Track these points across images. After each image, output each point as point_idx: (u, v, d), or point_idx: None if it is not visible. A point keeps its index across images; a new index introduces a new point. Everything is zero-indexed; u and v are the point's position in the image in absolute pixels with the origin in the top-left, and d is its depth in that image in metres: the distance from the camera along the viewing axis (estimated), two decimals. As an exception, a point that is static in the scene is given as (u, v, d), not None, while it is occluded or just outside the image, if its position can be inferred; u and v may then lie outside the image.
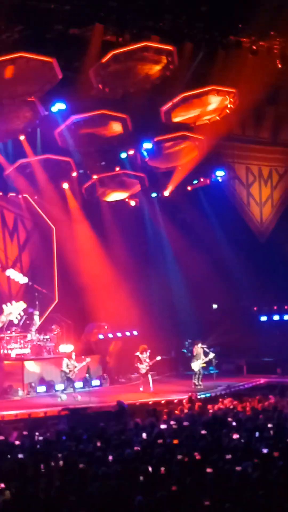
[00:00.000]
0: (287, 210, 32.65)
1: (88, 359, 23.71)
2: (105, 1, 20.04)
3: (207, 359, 24.96)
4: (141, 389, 24.16)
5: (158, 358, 24.48)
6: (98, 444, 14.57)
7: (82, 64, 21.25)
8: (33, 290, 26.79)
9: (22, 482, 11.75)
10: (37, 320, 25.71)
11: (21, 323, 25.36)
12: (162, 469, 12.13)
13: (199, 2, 21.12)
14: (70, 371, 23.15)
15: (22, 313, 24.53)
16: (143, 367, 24.18)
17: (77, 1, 19.85)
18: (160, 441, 14.59)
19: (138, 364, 24.32)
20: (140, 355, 24.30)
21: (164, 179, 29.99)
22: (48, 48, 20.06)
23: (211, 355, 24.95)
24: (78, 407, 21.35)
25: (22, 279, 27.00)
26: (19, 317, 24.38)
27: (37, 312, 25.80)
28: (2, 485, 11.42)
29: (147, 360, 24.17)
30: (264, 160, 32.24)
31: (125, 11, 20.45)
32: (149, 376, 24.16)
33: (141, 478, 11.80)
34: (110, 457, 13.25)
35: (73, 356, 23.54)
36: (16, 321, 24.45)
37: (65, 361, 23.39)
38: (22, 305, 24.28)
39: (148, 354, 24.30)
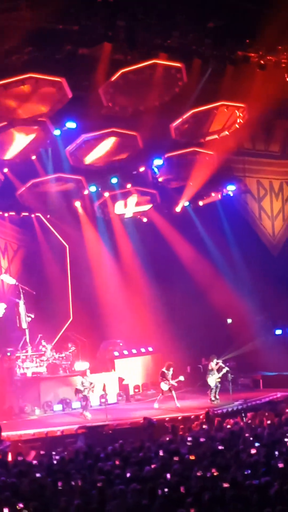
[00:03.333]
0: (299, 223, 32.64)
1: (181, 377, 23.81)
2: (113, 20, 20.20)
3: (221, 373, 24.88)
4: (156, 406, 24.06)
5: (181, 378, 24.34)
6: (117, 462, 14.56)
7: (92, 83, 21.41)
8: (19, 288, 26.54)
9: (41, 501, 11.75)
10: (22, 311, 25.55)
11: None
12: (181, 487, 12.10)
13: (207, 18, 21.27)
14: (85, 388, 23.12)
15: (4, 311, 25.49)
16: (166, 384, 24.04)
17: (85, 21, 20.01)
18: (176, 458, 14.55)
19: (162, 380, 24.16)
20: (166, 371, 24.21)
21: (175, 195, 30.05)
22: (58, 68, 20.25)
23: (225, 370, 24.88)
24: (95, 425, 21.32)
25: (11, 280, 27.02)
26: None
27: (21, 302, 25.65)
28: (21, 505, 11.43)
29: (170, 377, 24.07)
30: (275, 174, 32.25)
31: (133, 30, 20.60)
32: (174, 392, 24.06)
33: (160, 495, 11.77)
34: (128, 475, 13.24)
35: (88, 373, 23.52)
36: None
37: (80, 379, 23.37)
38: (2, 305, 25.23)
39: (172, 371, 24.18)
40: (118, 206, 29.48)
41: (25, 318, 25.47)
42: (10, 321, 26.07)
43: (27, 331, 25.57)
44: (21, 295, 25.78)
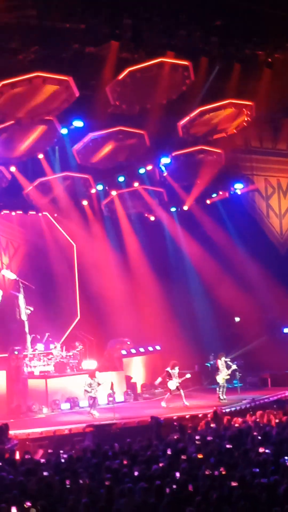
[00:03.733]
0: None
1: (188, 375, 23.78)
2: (120, 19, 20.19)
3: (229, 371, 24.85)
4: (163, 404, 24.04)
5: (188, 375, 24.32)
6: (124, 461, 14.55)
7: (99, 82, 21.41)
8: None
9: (49, 500, 11.75)
10: (21, 303, 25.79)
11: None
12: (189, 485, 12.09)
13: (214, 16, 21.24)
14: (93, 389, 23.07)
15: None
16: (173, 383, 24.03)
17: (92, 20, 20.01)
18: (184, 456, 14.53)
19: (168, 379, 24.17)
20: (170, 371, 24.19)
21: (183, 193, 30.02)
22: (65, 67, 20.25)
23: (234, 367, 24.86)
24: (103, 423, 21.32)
25: (11, 275, 27.17)
26: None
27: (21, 295, 25.84)
28: (29, 504, 11.43)
29: (176, 375, 24.06)
30: (283, 172, 32.20)
31: (140, 28, 20.59)
32: (181, 391, 24.04)
33: (168, 494, 11.77)
34: (136, 473, 13.23)
35: (97, 375, 23.45)
36: None
37: (87, 379, 23.30)
38: None
39: (177, 370, 24.17)
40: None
41: (24, 310, 25.74)
42: (9, 314, 26.32)
43: (26, 322, 25.75)
44: (21, 289, 25.96)
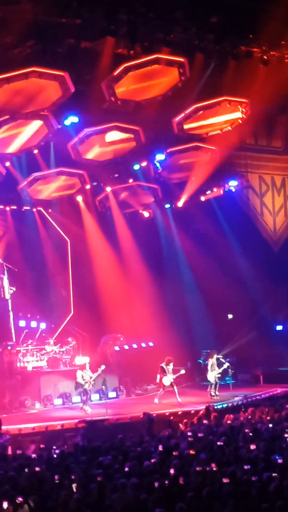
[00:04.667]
0: (301, 219, 32.61)
1: (103, 367, 23.71)
2: (116, 15, 20.15)
3: (221, 369, 24.90)
4: (156, 401, 24.06)
5: (182, 371, 24.37)
6: (116, 456, 14.56)
7: (94, 77, 21.37)
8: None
9: (41, 495, 11.76)
10: (5, 284, 26.14)
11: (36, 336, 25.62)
12: (180, 480, 12.12)
13: (209, 13, 21.22)
14: (86, 382, 23.11)
15: None
16: (167, 379, 24.05)
17: (88, 15, 19.95)
18: (176, 453, 14.55)
19: (162, 375, 24.18)
20: (165, 366, 24.21)
21: (177, 190, 30.01)
22: (60, 62, 20.20)
23: (226, 365, 24.90)
24: (95, 419, 21.34)
25: None
26: None
27: (5, 277, 26.17)
28: (20, 499, 11.43)
29: (171, 372, 24.08)
30: (277, 170, 32.23)
31: (136, 24, 20.55)
32: (175, 387, 24.06)
33: (159, 489, 11.79)
34: (127, 469, 13.24)
35: (87, 367, 23.50)
36: None
37: (80, 372, 23.35)
38: None
39: (172, 366, 24.19)
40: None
41: (8, 290, 26.16)
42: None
43: (9, 301, 26.14)
44: (5, 271, 26.32)
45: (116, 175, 28.17)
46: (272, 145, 31.59)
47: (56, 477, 12.93)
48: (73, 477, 13.03)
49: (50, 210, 29.26)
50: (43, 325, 26.68)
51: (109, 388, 24.50)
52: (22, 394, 24.04)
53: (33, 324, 26.54)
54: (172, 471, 12.91)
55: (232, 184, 30.38)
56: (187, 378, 28.11)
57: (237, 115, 24.16)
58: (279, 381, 27.57)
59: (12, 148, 24.07)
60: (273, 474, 12.31)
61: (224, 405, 23.24)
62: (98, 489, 11.94)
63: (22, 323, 26.36)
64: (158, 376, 24.38)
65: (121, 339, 28.32)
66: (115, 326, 28.62)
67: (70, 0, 19.56)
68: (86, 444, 16.32)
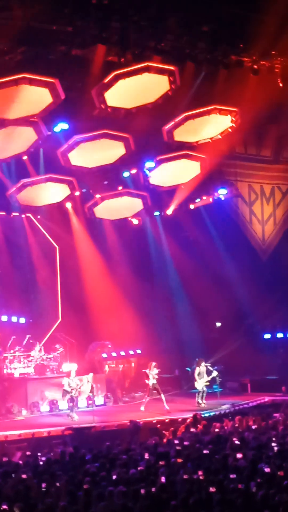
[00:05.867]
0: (290, 228, 32.72)
1: (91, 374, 23.63)
2: (107, 22, 20.19)
3: (210, 377, 24.89)
4: (142, 409, 24.02)
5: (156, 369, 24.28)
6: (103, 464, 14.52)
7: (85, 85, 21.38)
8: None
9: (26, 503, 11.71)
10: None
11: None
12: (167, 490, 12.09)
13: (201, 22, 21.30)
14: (72, 389, 23.06)
15: None
16: (151, 382, 23.98)
17: (79, 22, 19.99)
18: (162, 462, 14.52)
19: (147, 380, 24.16)
20: (148, 371, 24.17)
21: (166, 197, 30.05)
22: (51, 69, 20.20)
23: (214, 373, 24.89)
24: (82, 426, 21.29)
25: None
26: None
27: None
28: (5, 507, 11.37)
29: (156, 377, 24.04)
30: (266, 178, 32.31)
31: (127, 32, 20.60)
32: (162, 395, 24.02)
33: (146, 497, 11.76)
34: (114, 477, 13.21)
35: (73, 374, 23.45)
36: None
37: (66, 380, 23.30)
38: None
39: (156, 371, 24.14)
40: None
41: None
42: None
43: None
44: None
45: (106, 182, 28.17)
46: (261, 154, 31.68)
47: (42, 484, 12.88)
48: (58, 484, 12.98)
49: (39, 217, 29.24)
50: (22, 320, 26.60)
51: (97, 395, 24.45)
52: (8, 401, 23.95)
53: (14, 319, 26.45)
54: (159, 479, 12.89)
55: (222, 192, 30.43)
56: (175, 386, 28.14)
57: (227, 124, 24.21)
58: (266, 389, 27.59)
59: (1, 154, 24.03)
60: (260, 483, 12.31)
61: (212, 413, 23.24)
62: (84, 497, 11.90)
63: (4, 318, 26.29)
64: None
65: (109, 346, 28.30)
66: (103, 333, 28.61)
67: (62, 7, 19.60)
68: (74, 452, 16.27)
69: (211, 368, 25.06)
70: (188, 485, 12.48)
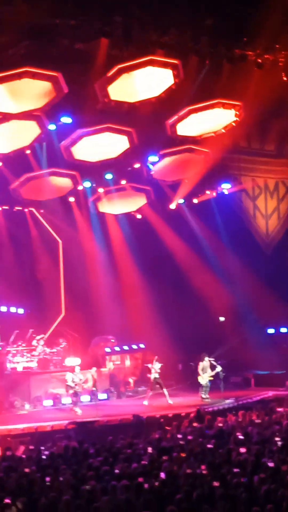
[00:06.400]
0: (294, 222, 32.67)
1: (94, 368, 23.62)
2: (110, 16, 20.12)
3: (214, 372, 24.88)
4: (145, 403, 24.02)
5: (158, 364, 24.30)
6: (106, 458, 14.52)
7: (88, 78, 21.31)
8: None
9: (29, 496, 11.71)
10: None
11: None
12: (171, 485, 12.08)
13: (204, 15, 21.21)
14: (76, 384, 23.06)
15: None
16: (154, 376, 23.98)
17: (82, 16, 19.92)
18: (166, 457, 14.51)
19: (149, 374, 24.18)
20: (151, 366, 24.17)
21: (170, 192, 30.01)
22: (54, 63, 20.15)
23: (218, 368, 24.87)
24: (85, 420, 21.29)
25: None
26: None
27: None
28: (8, 500, 11.37)
29: (158, 371, 24.05)
30: (270, 173, 32.23)
31: (130, 26, 20.52)
32: (165, 390, 24.02)
33: (149, 492, 11.75)
34: (117, 471, 13.21)
35: (77, 369, 23.45)
36: None
37: (69, 375, 23.31)
38: None
39: (159, 365, 24.14)
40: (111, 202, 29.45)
41: None
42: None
43: None
44: None
45: (109, 176, 28.12)
46: (265, 148, 31.60)
47: (45, 478, 12.87)
48: (62, 478, 12.98)
49: (42, 211, 29.22)
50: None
51: (100, 390, 24.46)
52: (12, 395, 23.96)
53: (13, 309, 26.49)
54: (162, 473, 12.88)
55: (225, 186, 30.40)
56: (178, 380, 28.13)
57: (231, 118, 24.15)
58: (270, 384, 27.59)
59: (4, 148, 23.99)
60: (263, 477, 12.29)
61: (215, 408, 23.21)
62: (87, 491, 11.89)
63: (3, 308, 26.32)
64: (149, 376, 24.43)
65: (112, 340, 28.31)
66: (106, 328, 28.61)
67: (65, 1, 19.53)
68: (77, 446, 16.27)
69: (214, 363, 25.04)
70: (191, 480, 12.46)
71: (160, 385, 24.02)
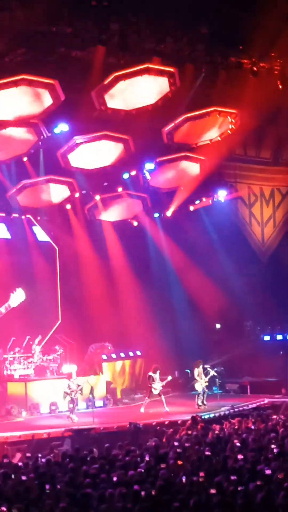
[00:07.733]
0: (290, 229, 32.76)
1: (91, 375, 23.60)
2: (106, 24, 20.25)
3: (208, 377, 24.84)
4: (142, 410, 24.01)
5: (169, 378, 24.33)
6: (102, 466, 14.51)
7: (84, 86, 21.40)
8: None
9: (26, 504, 11.70)
10: None
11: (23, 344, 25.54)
12: (167, 492, 12.08)
13: (200, 24, 21.34)
14: (72, 391, 23.03)
15: None
16: (156, 387, 23.97)
17: (79, 24, 20.05)
18: (163, 465, 14.51)
19: (151, 383, 24.11)
20: (152, 375, 24.14)
21: (166, 199, 30.06)
22: (51, 70, 20.23)
23: (212, 373, 24.85)
24: (82, 428, 21.26)
25: None
26: None
27: None
28: (4, 509, 11.35)
29: (158, 380, 24.02)
30: (266, 180, 32.34)
31: (127, 34, 20.64)
32: (163, 397, 24.01)
33: (146, 499, 11.75)
34: (115, 479, 13.20)
35: (74, 376, 23.43)
36: None
37: (66, 382, 23.28)
38: None
39: (158, 374, 24.12)
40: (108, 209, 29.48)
41: None
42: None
43: None
44: None
45: (105, 183, 28.19)
46: (261, 155, 31.73)
47: (42, 486, 12.86)
48: (59, 486, 12.97)
49: (38, 218, 29.24)
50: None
51: (96, 397, 24.43)
52: (8, 402, 23.93)
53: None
54: (159, 481, 12.87)
55: (221, 194, 30.46)
56: (175, 388, 28.11)
57: (227, 125, 24.27)
58: (266, 391, 27.58)
59: (1, 155, 24.04)
60: (259, 484, 12.29)
61: (211, 415, 23.21)
62: (83, 499, 11.89)
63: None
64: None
65: (109, 347, 28.28)
66: (102, 335, 28.58)
67: (62, 9, 19.64)
68: (74, 453, 16.26)
69: (209, 369, 25.00)
70: (188, 487, 12.46)
71: (159, 391, 24.00)
